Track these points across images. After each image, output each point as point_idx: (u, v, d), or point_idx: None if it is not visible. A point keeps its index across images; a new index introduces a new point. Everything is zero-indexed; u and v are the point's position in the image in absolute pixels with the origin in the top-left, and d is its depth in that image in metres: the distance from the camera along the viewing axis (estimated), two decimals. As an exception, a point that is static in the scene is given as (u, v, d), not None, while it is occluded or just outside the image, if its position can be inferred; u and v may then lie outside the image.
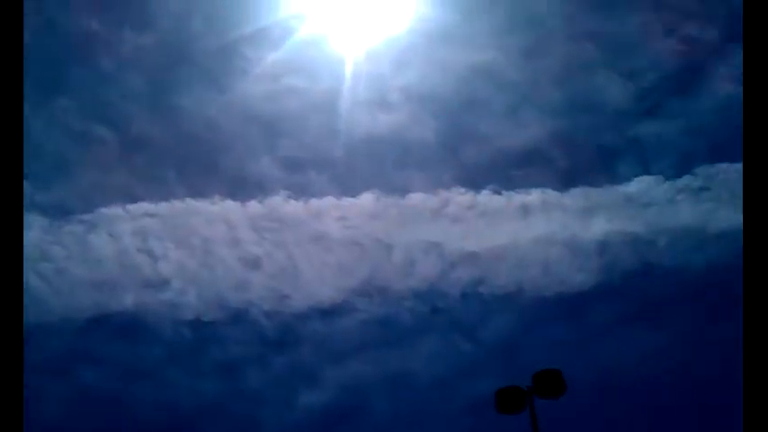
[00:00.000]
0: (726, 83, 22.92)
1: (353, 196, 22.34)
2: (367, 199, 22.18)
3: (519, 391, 13.92)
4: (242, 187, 22.73)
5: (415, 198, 22.39)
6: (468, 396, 19.50)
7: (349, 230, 22.00)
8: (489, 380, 18.82)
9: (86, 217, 21.64)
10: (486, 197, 22.16)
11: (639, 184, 22.28)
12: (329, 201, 22.09)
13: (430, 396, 20.66)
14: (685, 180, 22.00)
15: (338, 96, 22.57)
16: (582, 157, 23.78)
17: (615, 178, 22.86)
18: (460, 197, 22.20)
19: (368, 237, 21.95)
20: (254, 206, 22.22)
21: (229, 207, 21.94)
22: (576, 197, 22.27)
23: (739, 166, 21.71)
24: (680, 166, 22.35)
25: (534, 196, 22.23)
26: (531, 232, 21.97)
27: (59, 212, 21.37)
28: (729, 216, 20.92)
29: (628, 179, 22.53)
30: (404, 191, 22.51)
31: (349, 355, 21.21)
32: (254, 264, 22.13)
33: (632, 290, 21.35)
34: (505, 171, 23.38)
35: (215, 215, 21.99)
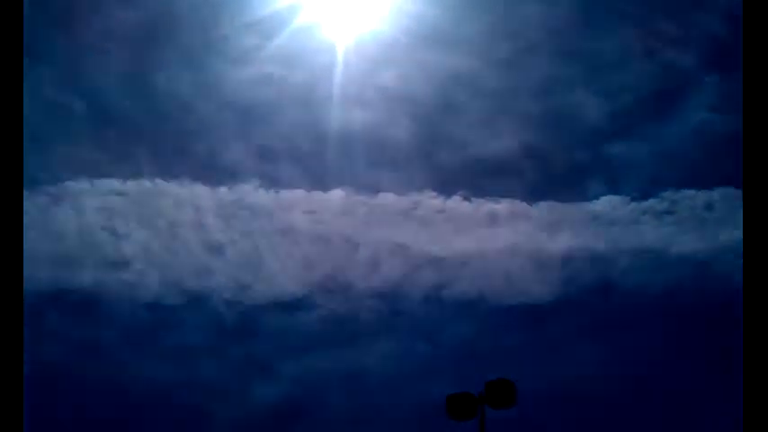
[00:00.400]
0: (699, 111, 23.49)
1: (324, 191, 22.41)
2: (337, 195, 22.25)
3: (470, 397, 14.08)
4: (213, 172, 22.62)
5: (386, 198, 22.53)
6: (422, 398, 19.69)
7: (317, 225, 22.06)
8: (444, 384, 19.07)
9: (52, 189, 21.38)
10: (455, 203, 22.42)
11: (606, 203, 22.74)
12: (299, 193, 22.12)
13: (384, 395, 20.79)
14: (651, 203, 22.50)
15: (317, 89, 22.63)
16: (552, 171, 24.15)
17: (583, 195, 23.29)
18: (431, 201, 22.41)
19: (335, 233, 22.04)
20: (223, 192, 22.16)
21: (198, 191, 21.85)
22: (543, 210, 22.63)
23: (705, 192, 22.38)
24: (646, 188, 22.87)
25: (503, 206, 22.54)
26: (497, 241, 22.28)
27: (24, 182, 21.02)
28: (691, 240, 21.47)
29: (595, 197, 22.98)
30: (375, 190, 22.65)
31: (306, 349, 21.23)
32: (218, 250, 22.08)
33: (591, 306, 21.77)
34: (477, 178, 23.64)
35: (183, 198, 21.88)
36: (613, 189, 23.04)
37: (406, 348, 21.80)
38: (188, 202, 21.94)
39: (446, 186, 22.81)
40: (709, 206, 22.03)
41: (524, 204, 22.65)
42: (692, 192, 22.34)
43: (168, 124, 22.99)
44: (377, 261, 21.95)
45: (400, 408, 20.22)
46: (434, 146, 24.26)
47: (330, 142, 22.94)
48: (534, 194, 22.96)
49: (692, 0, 23.62)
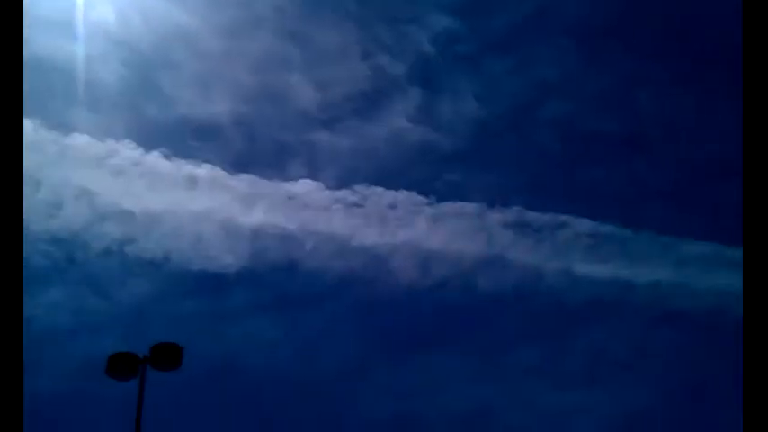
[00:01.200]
0: (400, 118, 25.56)
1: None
2: (27, 126, 20.43)
3: (134, 358, 13.81)
4: None
5: (80, 139, 21.19)
6: (88, 353, 18.85)
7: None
8: (114, 342, 18.50)
9: None
10: (154, 158, 21.79)
11: (303, 186, 23.69)
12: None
13: (47, 347, 19.50)
14: (343, 193, 23.91)
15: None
16: (257, 146, 24.69)
17: (282, 175, 24.11)
18: (128, 152, 21.54)
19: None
20: None
21: None
22: (242, 182, 22.95)
23: (392, 192, 24.34)
24: (342, 179, 24.28)
25: (203, 170, 22.46)
26: (192, 204, 22.11)
27: None
28: (374, 234, 23.26)
29: (294, 179, 23.87)
30: (70, 129, 21.20)
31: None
32: None
33: (274, 282, 22.60)
34: (181, 138, 23.32)
35: None
36: (312, 174, 24.17)
37: (78, 300, 20.72)
38: None
39: (147, 140, 22.14)
40: (393, 206, 24.04)
41: (225, 173, 22.80)
42: (380, 189, 24.18)
43: None
44: (59, 204, 20.54)
45: (62, 361, 19.15)
46: (142, 97, 23.46)
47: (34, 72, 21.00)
48: (236, 165, 23.25)
49: (409, 16, 25.56)
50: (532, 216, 23.95)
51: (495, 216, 23.86)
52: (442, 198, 24.00)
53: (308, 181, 23.79)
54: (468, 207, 24.04)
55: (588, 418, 20.97)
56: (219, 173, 22.62)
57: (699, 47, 25.07)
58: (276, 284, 22.57)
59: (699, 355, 22.91)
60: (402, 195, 24.05)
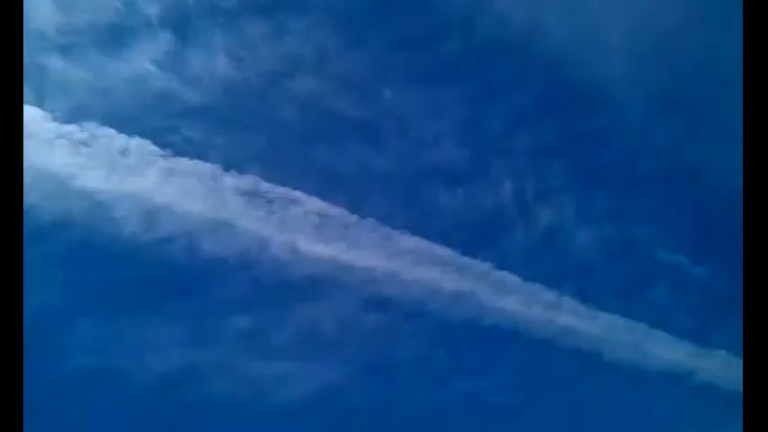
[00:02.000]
0: (145, 60, 24.32)
1: None
2: None
3: None
4: None
5: None
6: None
7: None
8: None
9: None
10: None
11: (25, 113, 21.68)
12: None
13: None
14: (71, 128, 22.31)
15: None
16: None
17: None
18: None
19: None
20: None
21: None
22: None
23: (124, 137, 23.19)
24: (72, 113, 22.59)
25: None
26: None
27: None
28: (100, 177, 22.00)
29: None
30: None
31: None
32: None
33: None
34: None
35: None
36: (38, 101, 22.22)
37: None
38: None
39: None
40: (124, 151, 22.93)
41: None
42: (113, 132, 22.91)
43: None
44: None
45: None
46: None
47: None
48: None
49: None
50: (266, 186, 24.37)
51: (230, 180, 23.90)
52: (178, 153, 23.45)
53: (33, 108, 21.88)
54: (204, 166, 23.78)
55: (290, 387, 22.05)
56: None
57: (452, 46, 26.70)
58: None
59: (396, 340, 25.18)
60: (136, 142, 23.09)
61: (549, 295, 26.34)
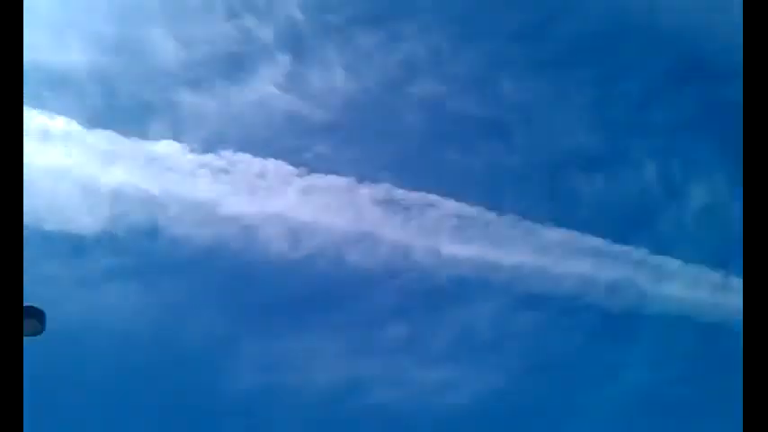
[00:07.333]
0: (267, 84, 26.25)
1: None
2: None
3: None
4: None
5: None
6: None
7: None
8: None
9: None
10: (4, 105, 21.09)
11: (166, 147, 23.80)
12: None
13: None
14: (209, 157, 24.27)
15: None
16: (117, 101, 24.45)
17: (144, 134, 24.03)
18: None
19: None
20: None
21: None
22: (101, 138, 22.71)
23: (259, 160, 24.98)
24: (208, 143, 24.62)
25: (58, 122, 22.03)
26: (45, 159, 21.64)
27: None
28: (242, 202, 23.84)
29: (156, 139, 23.93)
30: None
31: None
32: None
33: (136, 247, 22.62)
34: (34, 87, 22.64)
35: None
36: (175, 136, 24.31)
37: None
38: None
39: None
40: (262, 174, 24.71)
41: (81, 128, 22.48)
42: (248, 156, 24.76)
43: None
44: None
45: None
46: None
47: None
48: (93, 120, 22.95)
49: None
50: (400, 193, 25.59)
51: (365, 191, 25.27)
52: (312, 170, 25.04)
53: (171, 142, 23.98)
54: (339, 181, 25.26)
55: (453, 393, 22.91)
56: (76, 126, 22.29)
57: (567, 29, 27.40)
58: (138, 250, 22.61)
59: (554, 338, 25.63)
60: (271, 164, 24.80)
61: (714, 276, 25.97)
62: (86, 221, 21.57)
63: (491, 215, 25.98)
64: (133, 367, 20.69)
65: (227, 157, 24.26)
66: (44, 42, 23.12)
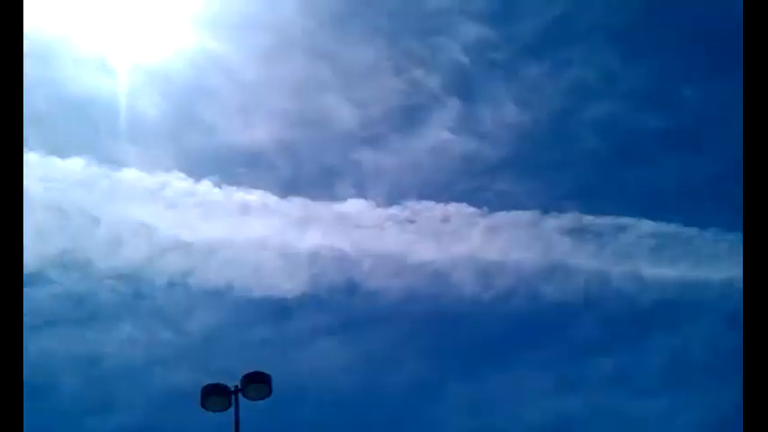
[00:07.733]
0: (441, 130, 26.83)
1: (62, 157, 21.81)
2: (77, 163, 21.78)
3: (225, 389, 14.91)
4: None
5: (130, 174, 22.49)
6: (165, 387, 19.98)
7: (52, 193, 21.31)
8: (189, 373, 19.63)
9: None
10: (206, 187, 23.07)
11: (353, 206, 24.92)
12: (32, 157, 21.21)
13: (122, 381, 20.64)
14: (394, 210, 25.13)
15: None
16: (304, 169, 25.98)
17: (331, 196, 25.37)
18: (179, 182, 22.81)
19: (73, 204, 21.47)
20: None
21: None
22: (293, 205, 24.20)
23: (442, 206, 25.53)
24: (390, 196, 25.50)
25: (254, 196, 23.73)
26: (247, 232, 23.35)
27: None
28: (431, 249, 24.44)
29: (343, 199, 25.13)
30: (119, 164, 22.52)
31: (39, 328, 20.31)
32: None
33: (336, 305, 23.76)
34: (228, 166, 24.64)
35: None
36: (360, 193, 25.41)
37: (148, 334, 21.87)
38: None
39: (195, 170, 23.43)
40: (446, 219, 25.23)
41: (276, 198, 24.04)
42: (431, 203, 25.39)
43: None
44: (119, 240, 21.74)
45: (140, 394, 20.23)
46: (184, 127, 24.81)
47: (71, 105, 22.47)
48: (285, 189, 24.49)
49: (438, 27, 26.88)
50: (589, 220, 25.12)
51: (552, 222, 25.03)
52: (494, 208, 25.21)
53: (358, 200, 25.04)
54: (523, 215, 25.23)
55: (674, 424, 21.93)
56: (270, 198, 23.89)
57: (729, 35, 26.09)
58: (338, 306, 23.68)
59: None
60: (453, 208, 25.25)
61: None
62: (288, 285, 22.89)
63: (691, 230, 24.94)
64: (351, 419, 21.58)
65: (410, 206, 25.02)
66: (234, 125, 25.10)
